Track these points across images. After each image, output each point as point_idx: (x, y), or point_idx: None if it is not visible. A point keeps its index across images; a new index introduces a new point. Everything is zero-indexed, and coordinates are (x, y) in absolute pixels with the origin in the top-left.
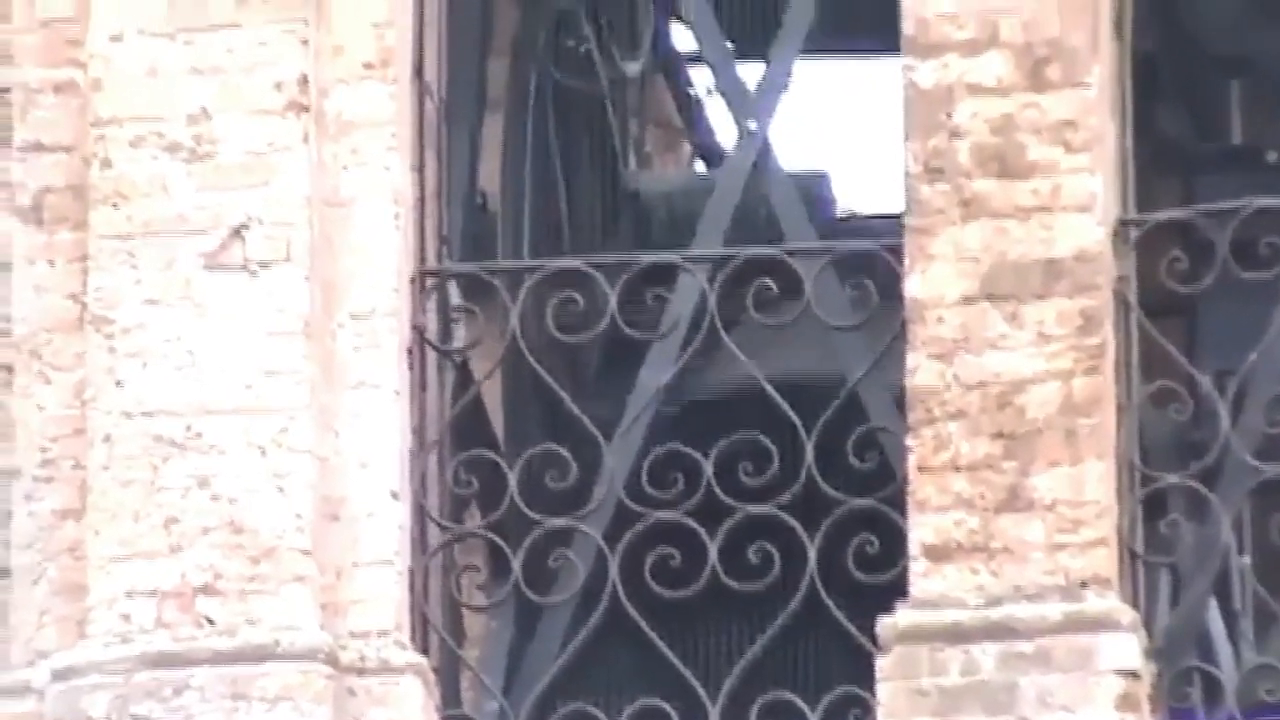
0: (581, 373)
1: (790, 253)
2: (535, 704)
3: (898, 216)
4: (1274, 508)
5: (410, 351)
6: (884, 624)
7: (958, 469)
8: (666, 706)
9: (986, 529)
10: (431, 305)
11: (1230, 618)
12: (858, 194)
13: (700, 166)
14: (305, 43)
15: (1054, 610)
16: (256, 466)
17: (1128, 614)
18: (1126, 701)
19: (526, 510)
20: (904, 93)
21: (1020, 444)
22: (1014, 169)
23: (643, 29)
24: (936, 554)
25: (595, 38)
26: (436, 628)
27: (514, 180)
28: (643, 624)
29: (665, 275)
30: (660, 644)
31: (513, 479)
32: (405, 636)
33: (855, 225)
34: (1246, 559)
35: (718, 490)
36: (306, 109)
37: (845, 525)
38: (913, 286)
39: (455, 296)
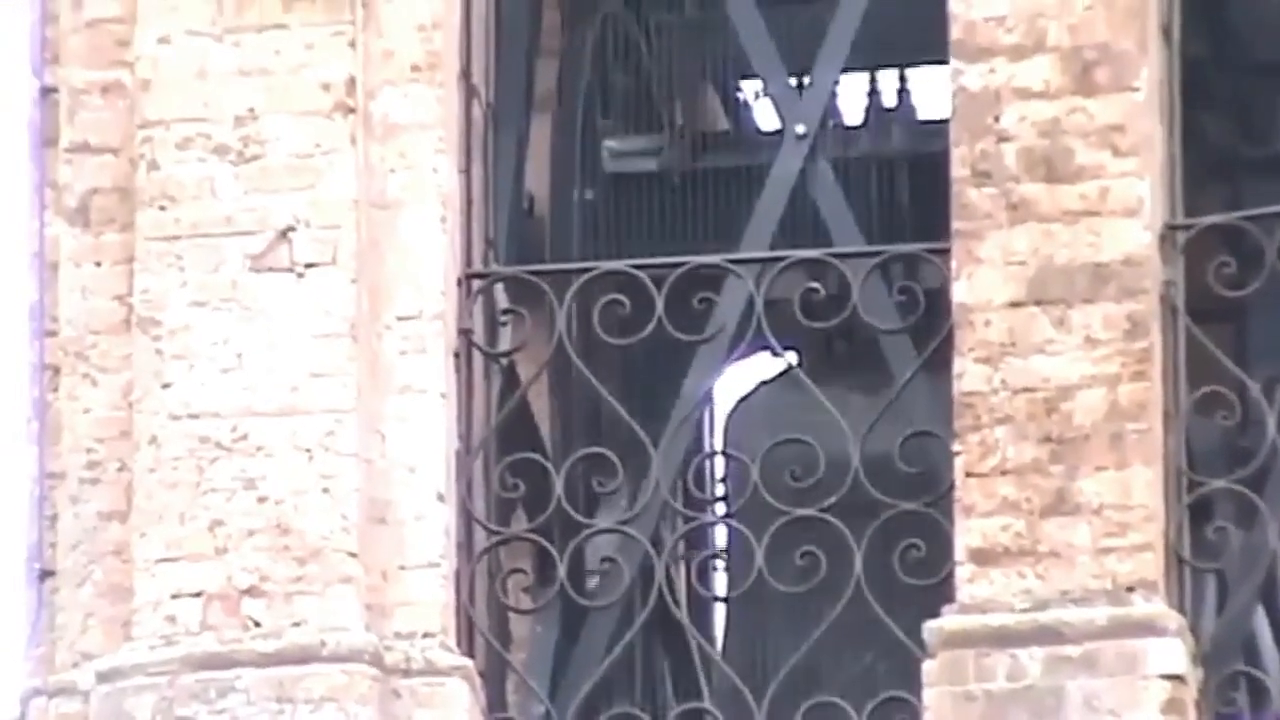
0: (628, 376)
1: (837, 256)
2: (581, 707)
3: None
4: None
5: (457, 355)
6: (930, 628)
7: (1004, 473)
8: (712, 710)
9: (1033, 533)
10: (478, 308)
11: (1277, 622)
12: None
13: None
14: (352, 44)
15: (1100, 614)
16: (303, 469)
17: (1174, 619)
18: (1173, 706)
19: (572, 513)
20: (952, 97)
21: (1067, 449)
22: (1061, 173)
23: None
24: (983, 558)
25: (644, 39)
26: (482, 630)
27: (561, 182)
28: (689, 627)
29: (712, 278)
30: (706, 647)
31: (559, 482)
32: (451, 639)
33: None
34: None
35: (764, 493)
36: (353, 111)
37: (892, 529)
38: (960, 291)
39: (502, 299)
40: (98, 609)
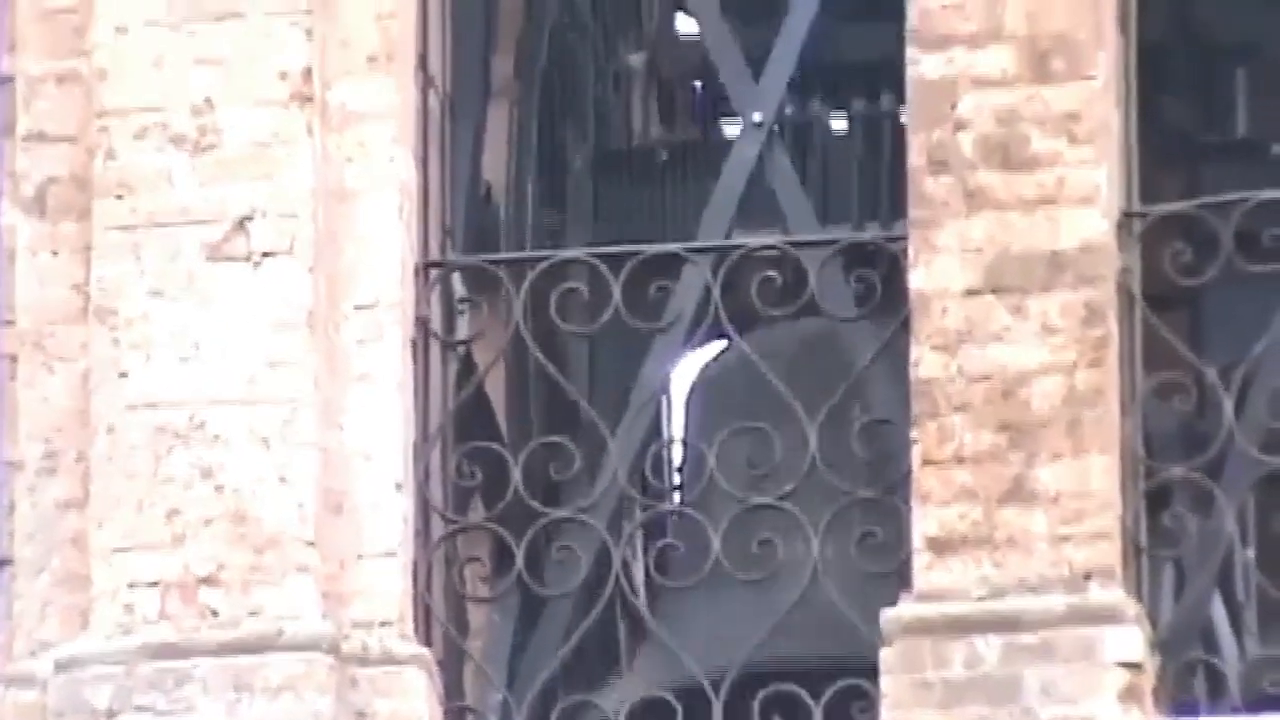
0: (585, 364)
1: (794, 244)
2: (538, 696)
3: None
4: (1278, 501)
5: (414, 343)
6: (887, 616)
7: (961, 461)
8: (670, 698)
9: (990, 521)
10: (435, 297)
11: (1234, 610)
12: None
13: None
14: (309, 34)
15: (1058, 602)
16: (260, 458)
17: (1131, 606)
18: (1130, 693)
19: (530, 502)
20: (908, 85)
21: (1024, 436)
22: (1018, 161)
23: (647, 20)
24: (940, 546)
25: (600, 30)
26: (440, 619)
27: (518, 172)
28: (646, 615)
29: (669, 266)
30: (663, 635)
31: (516, 471)
32: (409, 628)
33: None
34: (1250, 552)
35: (721, 481)
36: (310, 100)
37: (849, 516)
38: (917, 279)
39: (459, 288)
40: (55, 598)
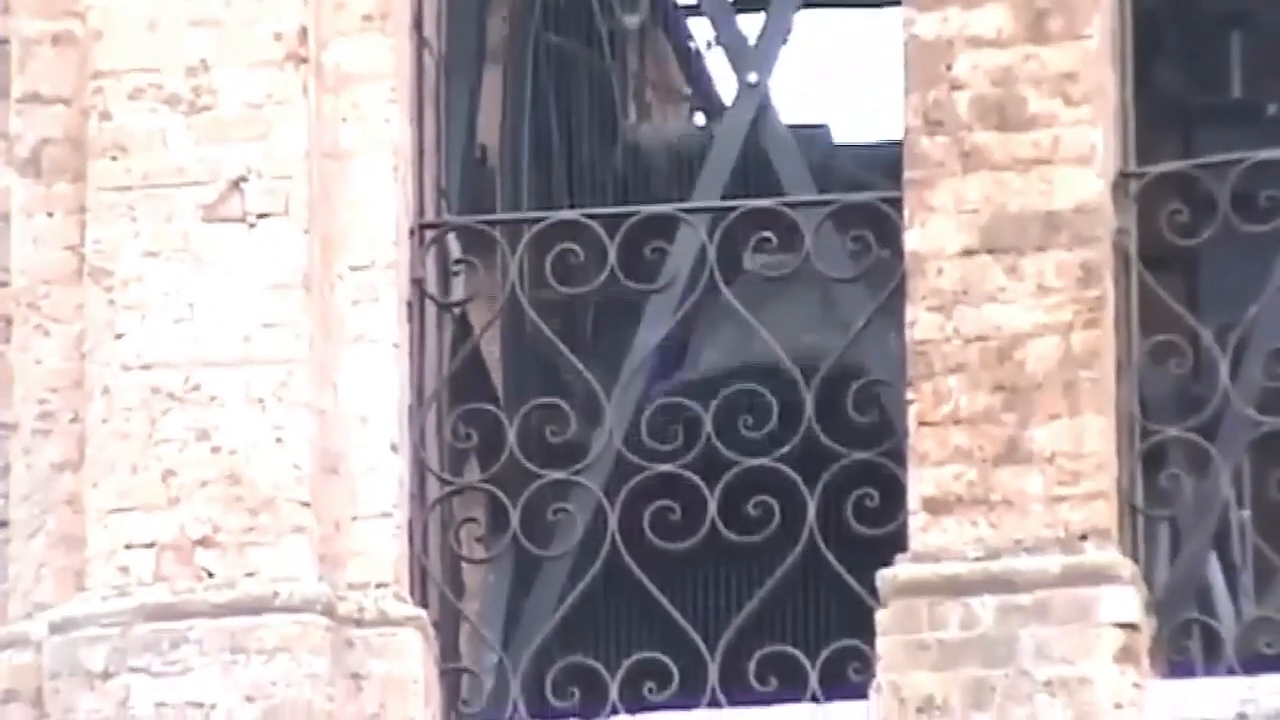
0: (581, 325)
1: (790, 205)
2: (534, 657)
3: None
4: (1274, 461)
5: (409, 305)
6: (883, 577)
7: (957, 422)
8: (665, 659)
9: (986, 482)
10: (430, 258)
11: (1230, 571)
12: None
13: (700, 119)
14: None
15: (1053, 563)
16: (255, 419)
17: (1127, 567)
18: (1126, 654)
19: (526, 463)
20: (904, 45)
21: (1020, 397)
22: (1014, 121)
23: None
24: (936, 507)
25: None
26: (435, 580)
27: (513, 133)
28: (642, 577)
29: (664, 227)
30: (659, 597)
31: (511, 432)
32: (404, 589)
33: (851, 158)
34: (1246, 512)
35: (717, 443)
36: (306, 61)
37: (845, 478)
38: (912, 239)
39: (454, 249)
40: (50, 560)
